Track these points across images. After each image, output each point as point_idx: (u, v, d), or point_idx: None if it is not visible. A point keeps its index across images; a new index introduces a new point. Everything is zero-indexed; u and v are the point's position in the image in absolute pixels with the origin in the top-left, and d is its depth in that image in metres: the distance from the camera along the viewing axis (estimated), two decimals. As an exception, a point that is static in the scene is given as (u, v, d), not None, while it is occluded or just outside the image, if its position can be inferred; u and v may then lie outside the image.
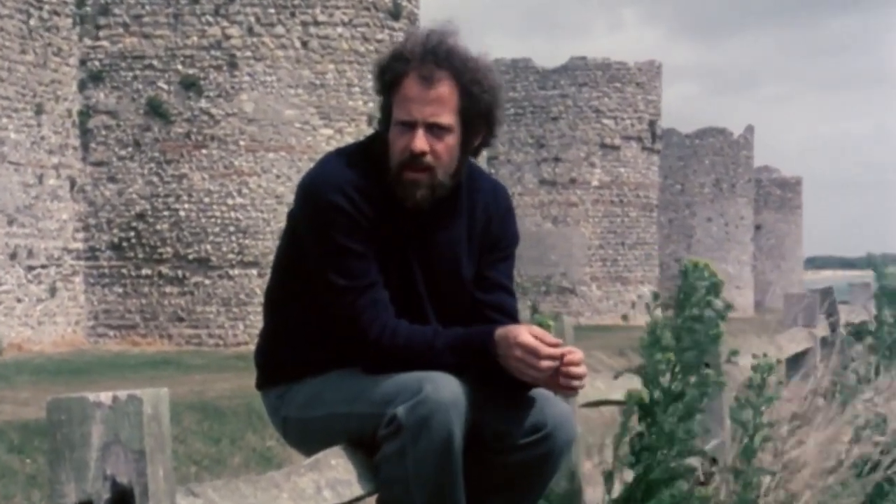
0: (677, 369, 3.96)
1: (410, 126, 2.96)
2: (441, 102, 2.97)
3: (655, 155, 39.54)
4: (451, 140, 2.99)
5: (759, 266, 53.15)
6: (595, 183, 38.07)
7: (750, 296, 49.70)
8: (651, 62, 39.26)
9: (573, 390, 2.94)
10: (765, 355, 4.89)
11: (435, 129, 2.96)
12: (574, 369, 2.90)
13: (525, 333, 2.89)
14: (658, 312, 3.95)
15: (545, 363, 2.86)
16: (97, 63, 23.66)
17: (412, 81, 2.97)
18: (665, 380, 3.96)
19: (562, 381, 2.90)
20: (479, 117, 3.02)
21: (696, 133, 49.03)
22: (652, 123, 38.85)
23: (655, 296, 4.00)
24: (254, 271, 23.44)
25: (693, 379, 4.00)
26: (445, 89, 2.97)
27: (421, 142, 2.95)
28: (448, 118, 2.97)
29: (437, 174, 2.98)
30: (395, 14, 24.78)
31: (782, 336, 7.40)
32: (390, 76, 2.99)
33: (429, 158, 2.96)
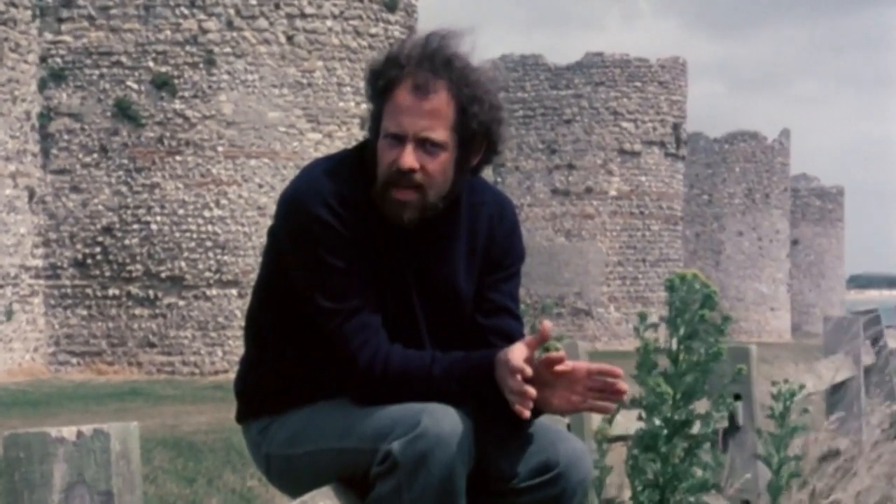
0: (678, 396, 3.95)
1: (400, 140, 2.96)
2: (435, 116, 2.96)
3: (680, 161, 39.58)
4: (445, 158, 2.98)
5: (796, 285, 53.13)
6: (613, 193, 38.10)
7: (786, 318, 49.69)
8: (675, 58, 39.33)
9: (604, 410, 2.94)
10: (786, 381, 4.88)
11: (427, 145, 2.96)
12: (619, 383, 2.90)
13: (517, 350, 2.88)
14: (650, 334, 3.95)
15: (513, 381, 2.84)
16: (59, 60, 23.72)
17: (405, 90, 2.96)
18: (666, 408, 3.96)
19: (601, 396, 2.89)
20: (476, 136, 3.01)
21: (726, 137, 49.09)
22: (676, 127, 38.90)
23: (642, 316, 3.99)
24: (233, 291, 23.44)
25: (695, 405, 3.99)
26: (441, 101, 2.96)
27: (410, 158, 2.95)
28: (442, 134, 2.97)
29: (427, 194, 2.97)
30: (391, 6, 24.84)
31: (822, 363, 7.39)
32: (382, 82, 2.99)
33: (419, 176, 2.96)
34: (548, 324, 2.88)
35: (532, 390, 2.83)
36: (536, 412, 2.92)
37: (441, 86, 2.97)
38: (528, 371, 2.84)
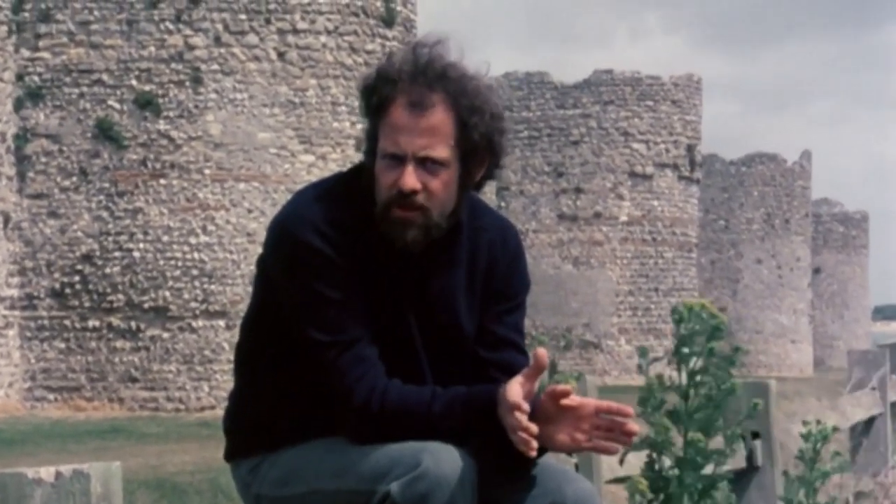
0: (689, 437, 3.94)
1: (399, 160, 2.97)
2: (434, 133, 2.97)
3: (695, 185, 39.60)
4: (447, 176, 2.99)
5: (818, 316, 53.07)
6: (623, 218, 38.10)
7: (808, 352, 49.61)
8: (689, 76, 39.41)
9: (610, 451, 2.93)
10: (818, 422, 4.87)
11: (428, 164, 2.96)
12: (628, 424, 2.88)
13: (513, 386, 2.87)
14: (657, 368, 3.94)
15: (511, 418, 2.81)
16: (36, 78, 23.76)
17: (400, 108, 2.97)
18: (677, 448, 3.94)
19: (608, 436, 2.88)
20: (479, 148, 3.01)
21: (743, 159, 49.13)
22: (690, 148, 38.93)
23: (643, 351, 3.98)
24: (221, 322, 23.42)
25: (707, 444, 3.97)
26: (439, 117, 2.97)
27: (411, 179, 2.95)
28: (443, 151, 2.97)
29: (431, 214, 2.98)
30: (389, 21, 24.90)
31: (846, 400, 7.38)
32: (376, 100, 3.00)
33: (421, 197, 2.96)
34: (542, 351, 2.88)
35: (533, 427, 2.82)
36: (541, 449, 2.91)
37: (438, 100, 2.97)
38: (525, 407, 2.83)
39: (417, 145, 2.96)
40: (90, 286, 23.54)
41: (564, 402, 2.89)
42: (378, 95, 3.00)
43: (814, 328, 51.10)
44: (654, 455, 3.97)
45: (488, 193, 35.75)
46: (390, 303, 3.04)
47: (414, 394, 2.96)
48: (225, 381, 22.56)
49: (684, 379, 3.95)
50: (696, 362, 3.93)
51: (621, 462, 4.18)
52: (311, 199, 3.04)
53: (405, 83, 2.98)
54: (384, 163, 2.99)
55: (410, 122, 2.96)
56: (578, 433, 2.91)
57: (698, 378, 3.96)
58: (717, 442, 4.12)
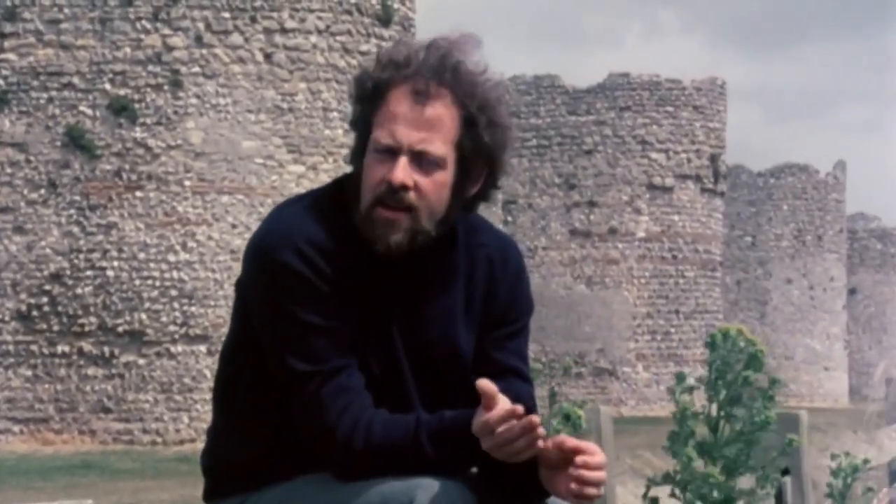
0: (718, 471, 3.93)
1: (392, 153, 2.95)
2: (435, 126, 2.96)
3: (719, 198, 39.62)
4: (442, 177, 2.98)
5: (854, 342, 53.05)
6: (641, 234, 38.11)
7: (843, 380, 49.59)
8: (712, 79, 39.46)
9: (585, 499, 2.92)
10: (847, 454, 4.86)
11: (423, 160, 2.95)
12: (587, 473, 2.88)
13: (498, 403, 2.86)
14: (687, 398, 3.93)
15: (494, 422, 2.81)
16: (1, 82, 23.79)
17: (402, 95, 2.96)
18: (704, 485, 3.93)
19: (573, 486, 2.88)
20: (479, 156, 3.00)
21: (771, 170, 49.19)
22: (714, 158, 38.96)
23: (680, 376, 3.97)
24: (202, 348, 23.41)
25: (738, 481, 3.97)
26: (443, 111, 2.96)
27: (403, 172, 2.94)
28: (441, 147, 2.96)
29: (420, 217, 2.96)
30: (385, 19, 24.94)
31: (884, 432, 7.37)
32: (373, 85, 2.98)
33: (411, 196, 2.95)
34: (484, 382, 2.87)
35: (518, 408, 2.81)
36: (547, 493, 2.92)
37: (444, 94, 2.97)
38: (495, 391, 2.82)
39: (415, 138, 2.95)
40: (59, 308, 23.54)
41: (568, 446, 2.89)
42: (376, 81, 2.98)
43: (849, 354, 51.07)
44: (678, 491, 3.97)
45: (492, 207, 35.77)
46: (377, 328, 3.03)
47: (398, 424, 2.95)
48: (206, 412, 22.54)
49: (714, 410, 3.94)
50: (728, 393, 3.92)
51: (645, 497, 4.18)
52: (290, 216, 3.04)
53: (411, 69, 2.97)
54: (375, 157, 2.98)
55: (411, 112, 2.95)
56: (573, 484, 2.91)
57: (730, 409, 3.95)
58: (747, 480, 4.11)
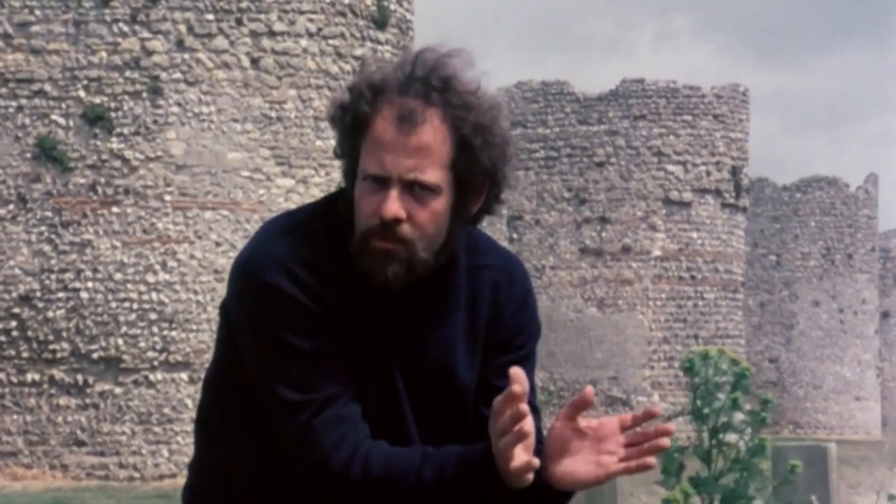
0: None
1: (382, 182, 2.95)
2: (425, 153, 2.94)
3: (741, 214, 39.64)
4: (439, 205, 2.97)
5: (887, 369, 53.02)
6: (657, 253, 38.12)
7: (875, 410, 49.55)
8: (734, 86, 39.51)
9: (647, 466, 2.90)
10: (891, 497, 4.85)
11: (416, 189, 2.95)
12: (661, 426, 2.87)
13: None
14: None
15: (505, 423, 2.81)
16: (-32, 88, 23.81)
17: (386, 120, 2.95)
18: None
19: (640, 450, 2.86)
20: (478, 175, 3.00)
21: (798, 184, 49.21)
22: (736, 171, 38.99)
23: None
24: (183, 375, 23.40)
25: None
26: (433, 135, 2.95)
27: (394, 206, 2.93)
28: (434, 175, 2.95)
29: (416, 248, 2.96)
30: (381, 22, 24.97)
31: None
32: (353, 115, 2.97)
33: (405, 228, 2.95)
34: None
35: (525, 411, 2.81)
36: (565, 494, 2.91)
37: (433, 114, 2.95)
38: (525, 409, 2.81)
39: (405, 166, 2.94)
40: (29, 333, 23.53)
41: (583, 424, 2.88)
42: (359, 106, 2.97)
43: (882, 382, 51.03)
44: None
45: (497, 223, 35.78)
46: (372, 352, 3.02)
47: (401, 457, 2.95)
48: (187, 445, 22.52)
49: (704, 441, 3.93)
50: (717, 419, 3.91)
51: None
52: (279, 235, 3.03)
53: (395, 92, 2.96)
54: (365, 185, 2.97)
55: (398, 139, 2.94)
56: (604, 456, 2.90)
57: (721, 437, 3.94)
58: None
